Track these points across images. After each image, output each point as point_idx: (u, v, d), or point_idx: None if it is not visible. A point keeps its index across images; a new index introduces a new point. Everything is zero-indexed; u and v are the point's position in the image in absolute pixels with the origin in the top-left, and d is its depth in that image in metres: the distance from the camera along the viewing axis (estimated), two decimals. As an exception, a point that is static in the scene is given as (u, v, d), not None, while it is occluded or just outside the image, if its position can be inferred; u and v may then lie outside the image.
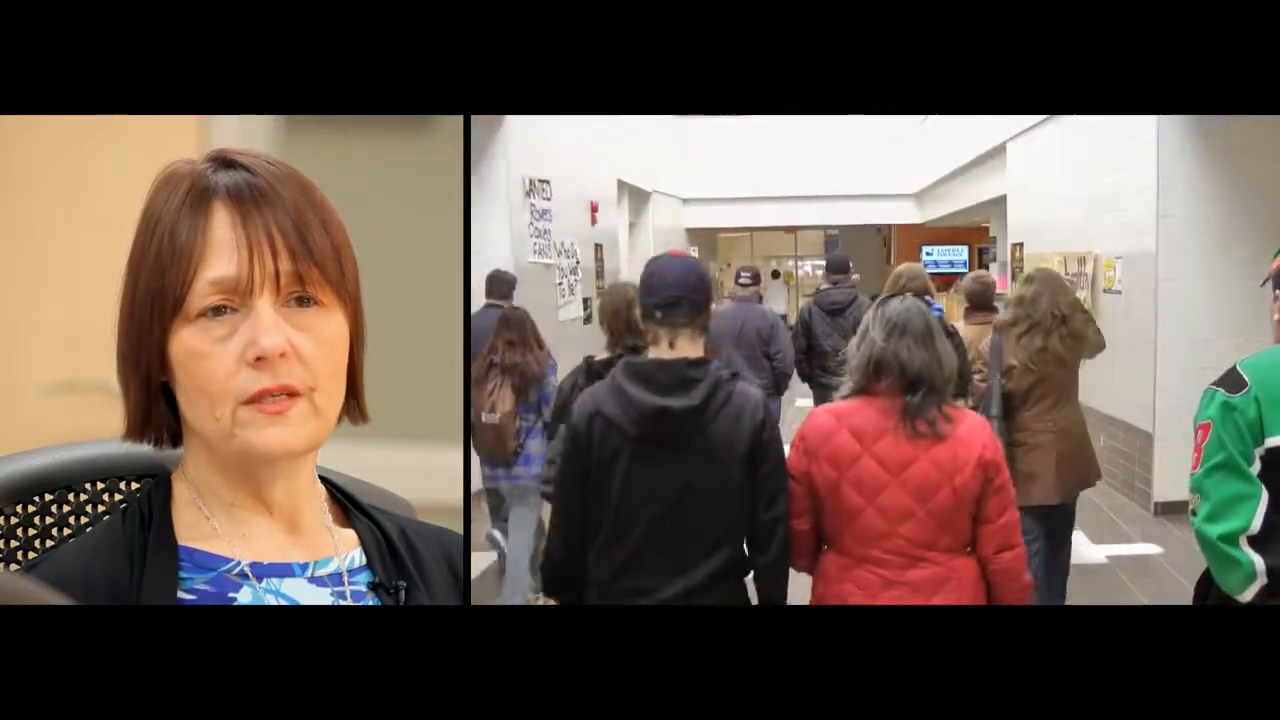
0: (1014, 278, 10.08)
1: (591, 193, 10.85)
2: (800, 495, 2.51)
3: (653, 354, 2.38)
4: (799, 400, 6.70)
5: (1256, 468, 2.18)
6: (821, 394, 6.41)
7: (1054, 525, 4.34)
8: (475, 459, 5.63)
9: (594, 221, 10.80)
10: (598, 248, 10.99)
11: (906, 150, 16.94)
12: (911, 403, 2.44)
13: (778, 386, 6.30)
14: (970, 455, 2.43)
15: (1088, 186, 8.11)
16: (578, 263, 9.96)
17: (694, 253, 17.34)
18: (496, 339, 5.10)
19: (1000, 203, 11.77)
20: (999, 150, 11.10)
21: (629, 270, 12.78)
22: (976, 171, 13.07)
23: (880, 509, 2.44)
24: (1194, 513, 2.24)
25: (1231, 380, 2.25)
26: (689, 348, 2.36)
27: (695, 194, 17.50)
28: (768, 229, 21.38)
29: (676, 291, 2.35)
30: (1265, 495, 2.16)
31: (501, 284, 6.28)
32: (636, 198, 14.22)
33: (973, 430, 2.49)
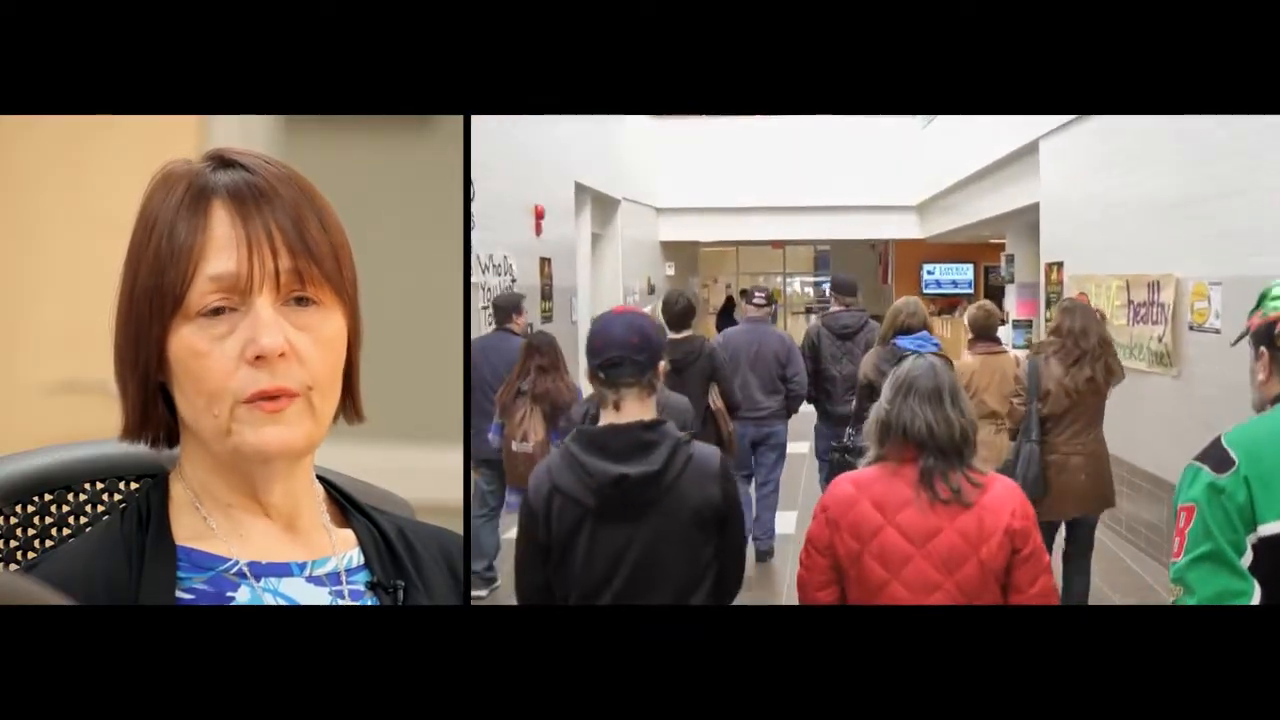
0: (1049, 304, 8.65)
1: (536, 196, 9.07)
2: (824, 567, 2.45)
3: (603, 418, 2.31)
4: (789, 444, 6.59)
5: (1248, 558, 1.86)
6: (825, 418, 6.36)
7: (1076, 534, 4.71)
8: (473, 462, 5.62)
9: (539, 231, 9.12)
10: (544, 262, 9.22)
11: (907, 157, 15.40)
12: (924, 466, 2.36)
13: (789, 410, 6.26)
14: (998, 524, 2.34)
15: (1157, 191, 6.38)
16: (514, 281, 8.18)
17: (669, 269, 16.38)
18: (527, 364, 5.01)
19: (1020, 215, 10.40)
20: (1027, 151, 9.38)
21: (589, 290, 11.22)
22: (996, 178, 11.21)
23: (905, 582, 2.35)
24: None
25: (1216, 457, 1.91)
26: (638, 409, 2.28)
27: (671, 203, 15.59)
28: (753, 243, 20.09)
29: (617, 352, 2.27)
30: (1258, 590, 1.85)
31: (507, 311, 5.95)
32: (602, 205, 12.34)
33: (1000, 498, 2.38)
